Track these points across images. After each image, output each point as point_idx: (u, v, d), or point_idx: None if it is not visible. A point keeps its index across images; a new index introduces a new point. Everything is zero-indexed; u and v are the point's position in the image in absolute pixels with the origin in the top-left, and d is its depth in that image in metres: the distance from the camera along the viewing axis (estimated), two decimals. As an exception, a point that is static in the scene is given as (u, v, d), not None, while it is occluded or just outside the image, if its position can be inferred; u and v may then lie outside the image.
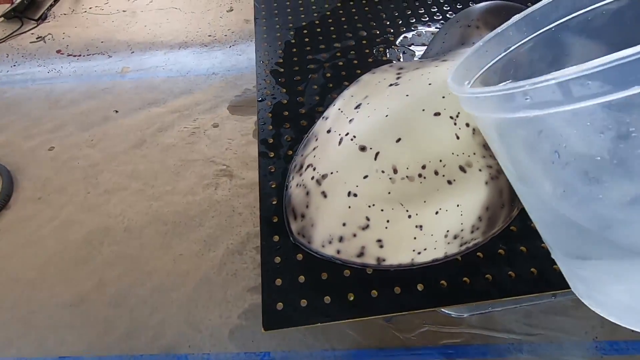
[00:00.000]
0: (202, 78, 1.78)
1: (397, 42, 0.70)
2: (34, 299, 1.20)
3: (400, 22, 0.74)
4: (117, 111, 1.67)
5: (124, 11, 2.09)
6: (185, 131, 1.61)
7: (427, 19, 0.73)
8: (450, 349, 1.06)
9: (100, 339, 1.12)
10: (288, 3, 0.79)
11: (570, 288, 0.35)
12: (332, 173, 0.44)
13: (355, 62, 0.67)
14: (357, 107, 0.47)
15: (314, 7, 0.78)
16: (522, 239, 0.46)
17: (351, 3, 0.78)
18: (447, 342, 1.07)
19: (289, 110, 0.61)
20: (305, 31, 0.73)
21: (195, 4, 2.12)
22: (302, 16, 0.76)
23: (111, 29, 1.99)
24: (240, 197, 1.40)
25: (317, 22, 0.75)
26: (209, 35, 1.93)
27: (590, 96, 0.20)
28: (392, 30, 0.72)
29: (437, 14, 0.74)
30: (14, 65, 1.84)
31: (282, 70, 0.67)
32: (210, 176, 1.47)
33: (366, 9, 0.77)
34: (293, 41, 0.72)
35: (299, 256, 0.46)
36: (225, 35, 1.93)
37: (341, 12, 0.77)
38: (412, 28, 0.72)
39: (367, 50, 0.69)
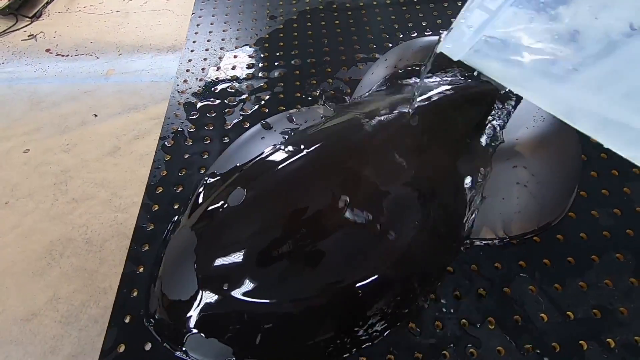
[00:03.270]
0: (184, 85, 1.72)
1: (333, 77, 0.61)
2: (-15, 310, 1.17)
3: (343, 57, 0.64)
4: (96, 115, 1.63)
5: (117, 11, 2.06)
6: (161, 140, 1.56)
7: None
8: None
9: (45, 358, 1.08)
10: (225, 22, 0.71)
11: None
12: None
13: (282, 96, 0.59)
14: None
15: (252, 29, 0.70)
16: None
17: (294, 26, 0.69)
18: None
19: (190, 153, 0.53)
20: (235, 56, 0.65)
21: (189, 6, 2.06)
22: (237, 39, 0.68)
23: (102, 30, 1.96)
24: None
25: (250, 47, 0.67)
26: (198, 40, 1.87)
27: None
28: (331, 65, 0.63)
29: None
30: (3, 63, 1.83)
31: (196, 102, 0.59)
32: (180, 189, 1.41)
33: (309, 32, 0.68)
34: (219, 67, 0.64)
35: (147, 345, 0.38)
36: (214, 40, 1.86)
37: (281, 35, 0.68)
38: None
39: (297, 83, 0.60)
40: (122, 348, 0.39)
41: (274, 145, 0.42)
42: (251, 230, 0.35)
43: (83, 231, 1.32)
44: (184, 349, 0.37)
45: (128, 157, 1.50)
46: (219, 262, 0.35)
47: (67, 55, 1.85)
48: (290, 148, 0.38)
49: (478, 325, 0.38)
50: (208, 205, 0.39)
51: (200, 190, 0.43)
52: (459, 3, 0.71)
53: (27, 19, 2.02)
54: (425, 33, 0.65)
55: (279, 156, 0.39)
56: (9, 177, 1.46)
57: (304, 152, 0.37)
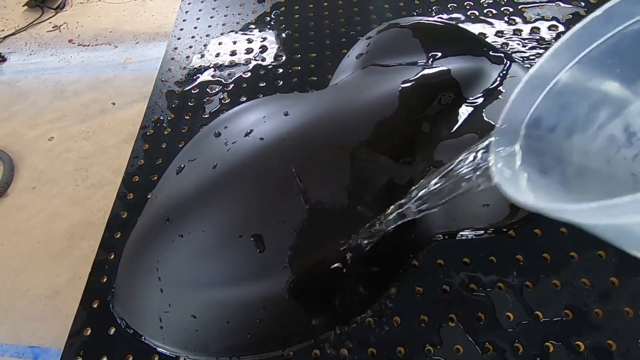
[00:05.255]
0: (196, 72, 1.74)
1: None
2: (15, 287, 1.26)
3: (328, 42, 0.62)
4: (114, 103, 1.69)
5: (135, 0, 2.09)
6: (174, 127, 1.59)
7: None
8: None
9: (66, 333, 1.16)
10: (214, 7, 0.70)
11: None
12: None
13: (262, 84, 0.58)
14: None
15: (239, 14, 0.69)
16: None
17: (281, 10, 0.67)
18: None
19: (167, 142, 0.54)
20: (219, 43, 0.64)
21: (204, -8, 2.06)
22: (224, 24, 0.67)
23: (120, 19, 2.00)
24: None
25: (236, 32, 0.66)
26: (212, 26, 1.88)
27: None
28: (317, 51, 0.61)
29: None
30: (30, 55, 1.91)
31: (178, 90, 0.59)
32: (191, 175, 1.45)
33: (297, 15, 0.66)
34: (203, 54, 0.63)
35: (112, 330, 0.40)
36: (227, 26, 1.86)
37: (267, 19, 0.67)
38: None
39: (280, 70, 0.59)
40: (88, 331, 0.40)
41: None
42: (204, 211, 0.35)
43: (101, 215, 1.39)
44: (142, 335, 0.38)
45: (143, 144, 1.55)
46: (173, 247, 0.36)
47: (88, 45, 1.91)
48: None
49: (439, 322, 0.37)
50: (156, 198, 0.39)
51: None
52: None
53: (52, 10, 2.09)
54: (415, 12, 0.62)
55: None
56: (36, 164, 1.55)
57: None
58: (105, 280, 0.44)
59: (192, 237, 0.34)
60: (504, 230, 0.40)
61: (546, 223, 0.41)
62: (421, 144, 0.39)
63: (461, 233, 0.39)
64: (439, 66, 0.44)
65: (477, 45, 0.48)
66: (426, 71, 0.43)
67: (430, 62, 0.46)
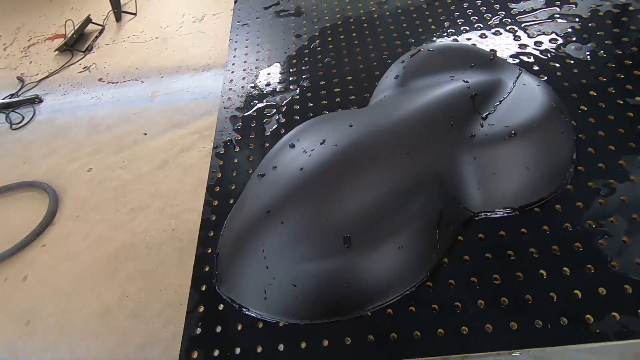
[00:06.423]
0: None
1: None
2: (68, 308, 1.36)
3: (361, 66, 0.73)
4: (145, 134, 1.82)
5: (156, 38, 2.26)
6: (203, 151, 1.71)
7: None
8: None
9: (119, 349, 1.24)
10: (258, 45, 0.82)
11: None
12: None
13: (310, 104, 0.69)
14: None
15: (281, 48, 0.81)
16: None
17: (317, 42, 0.79)
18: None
19: (239, 158, 0.64)
20: (268, 73, 0.76)
21: (220, 27, 2.23)
22: (268, 58, 0.79)
23: (145, 56, 2.16)
24: (249, 216, 1.46)
25: (281, 63, 0.77)
26: (230, 57, 2.03)
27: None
28: (352, 74, 0.72)
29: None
30: (64, 94, 2.07)
31: (240, 115, 0.70)
32: (223, 195, 1.55)
33: (330, 46, 0.78)
34: (256, 84, 0.75)
35: (220, 306, 0.49)
36: (245, 56, 2.01)
37: (306, 51, 0.78)
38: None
39: (323, 92, 0.70)
40: (201, 308, 0.50)
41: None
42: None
43: (142, 237, 1.49)
44: (248, 307, 0.47)
45: (176, 169, 1.67)
46: (276, 232, 0.45)
47: (117, 82, 2.06)
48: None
49: (486, 282, 0.46)
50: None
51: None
52: (465, 5, 0.78)
53: (81, 53, 2.26)
54: (434, 36, 0.73)
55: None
56: (78, 193, 1.67)
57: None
58: (207, 269, 0.53)
59: (291, 223, 0.44)
60: (530, 208, 0.50)
61: (565, 200, 0.50)
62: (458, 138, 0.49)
63: (496, 210, 0.49)
64: (461, 80, 0.55)
65: (491, 60, 0.59)
66: (452, 84, 0.54)
67: (453, 77, 0.56)
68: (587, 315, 0.42)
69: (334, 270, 0.43)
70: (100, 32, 2.37)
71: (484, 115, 0.50)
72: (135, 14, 2.44)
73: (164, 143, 1.77)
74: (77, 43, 2.30)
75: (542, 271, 0.46)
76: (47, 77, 2.18)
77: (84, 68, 2.19)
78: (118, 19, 2.41)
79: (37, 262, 1.49)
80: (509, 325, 0.43)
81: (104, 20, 2.44)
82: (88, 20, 2.34)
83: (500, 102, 0.52)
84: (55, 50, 2.30)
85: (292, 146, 0.52)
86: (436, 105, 0.50)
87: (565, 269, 0.46)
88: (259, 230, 0.45)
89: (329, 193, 0.44)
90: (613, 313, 0.42)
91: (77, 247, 1.51)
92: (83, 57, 2.25)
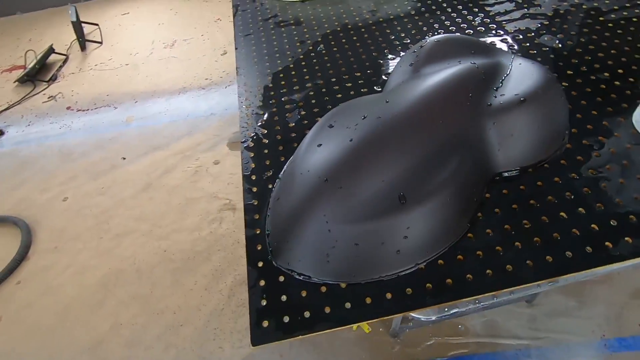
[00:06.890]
0: (201, 119, 1.88)
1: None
2: (54, 345, 1.25)
3: (367, 63, 0.81)
4: (124, 158, 1.77)
5: (126, 64, 2.25)
6: (188, 171, 1.70)
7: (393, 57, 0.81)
8: (459, 359, 1.07)
9: (116, 379, 1.16)
10: (265, 51, 0.88)
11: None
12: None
13: (327, 98, 0.75)
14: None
15: (288, 53, 0.87)
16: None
17: (321, 46, 0.86)
18: (455, 353, 1.09)
19: (268, 149, 0.68)
20: (281, 75, 0.81)
21: (192, 51, 2.26)
22: (279, 62, 0.85)
23: (116, 83, 2.13)
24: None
25: (291, 66, 0.83)
26: (206, 79, 2.05)
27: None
28: (360, 70, 0.80)
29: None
30: (29, 125, 1.97)
31: (261, 112, 0.74)
32: (214, 211, 1.54)
33: (335, 49, 0.85)
34: (271, 85, 0.80)
35: (281, 278, 0.51)
36: (221, 77, 2.05)
37: (312, 54, 0.85)
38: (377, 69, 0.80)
39: (336, 87, 0.76)
40: (262, 282, 0.52)
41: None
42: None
43: (131, 262, 1.43)
44: (310, 275, 0.50)
45: (160, 191, 1.63)
46: (336, 196, 0.49)
47: (87, 110, 2.01)
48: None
49: (518, 228, 0.53)
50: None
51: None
52: (448, 9, 0.89)
53: (44, 82, 2.19)
54: (427, 36, 0.83)
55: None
56: (54, 224, 1.57)
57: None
58: (260, 247, 0.55)
59: (349, 186, 0.48)
60: (541, 164, 0.58)
61: (568, 156, 0.59)
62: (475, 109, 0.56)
63: (515, 169, 0.57)
64: (469, 62, 0.64)
65: (491, 48, 0.69)
66: (463, 66, 0.62)
67: (460, 62, 0.65)
68: (606, 243, 0.50)
69: (392, 226, 0.47)
70: (65, 61, 2.31)
71: (495, 87, 0.58)
72: (100, 43, 2.41)
73: (145, 166, 1.74)
74: (39, 73, 2.22)
75: (562, 213, 0.53)
76: (7, 109, 2.08)
77: (49, 98, 2.11)
78: (83, 48, 2.37)
79: (12, 301, 1.38)
80: (545, 259, 0.49)
81: (67, 49, 2.38)
82: (51, 50, 2.28)
83: (504, 78, 0.61)
84: (14, 82, 2.20)
85: (331, 126, 0.57)
86: (455, 81, 0.57)
87: (580, 209, 0.53)
88: (319, 198, 0.49)
89: (381, 157, 0.49)
90: (626, 238, 0.50)
91: (57, 280, 1.41)
92: (47, 87, 2.17)
